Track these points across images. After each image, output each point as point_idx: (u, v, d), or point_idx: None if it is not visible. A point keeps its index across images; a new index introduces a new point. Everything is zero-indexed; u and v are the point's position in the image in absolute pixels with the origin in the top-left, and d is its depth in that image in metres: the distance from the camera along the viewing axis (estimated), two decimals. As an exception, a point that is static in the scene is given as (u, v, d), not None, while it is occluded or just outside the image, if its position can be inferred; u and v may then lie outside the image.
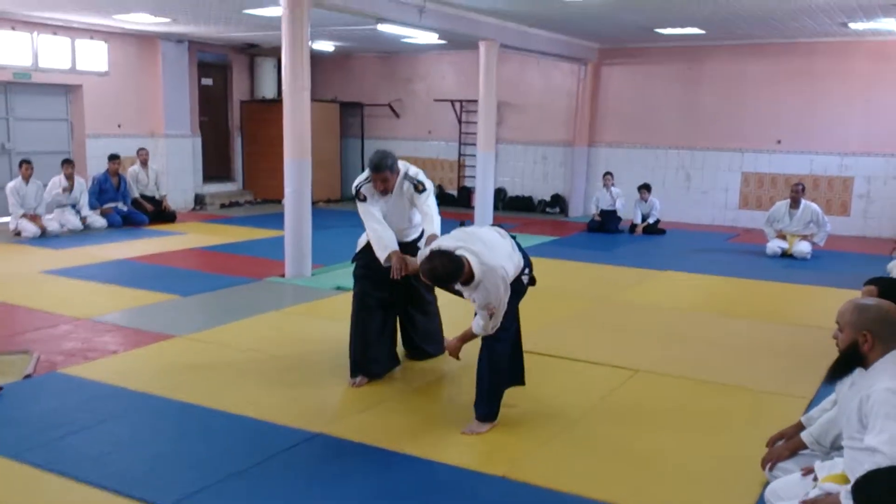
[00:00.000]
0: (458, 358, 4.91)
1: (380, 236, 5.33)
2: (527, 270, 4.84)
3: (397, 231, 5.47)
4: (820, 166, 13.53)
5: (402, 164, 5.44)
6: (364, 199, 5.45)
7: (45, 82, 12.94)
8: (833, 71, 13.19)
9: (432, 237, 5.15)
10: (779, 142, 13.78)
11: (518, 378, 5.05)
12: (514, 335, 4.91)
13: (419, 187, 5.40)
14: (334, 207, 15.79)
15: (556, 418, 4.86)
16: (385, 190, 5.37)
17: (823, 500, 3.14)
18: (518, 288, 4.75)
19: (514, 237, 4.91)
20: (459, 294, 4.67)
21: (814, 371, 5.51)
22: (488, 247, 4.56)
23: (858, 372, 3.27)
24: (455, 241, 4.56)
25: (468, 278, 4.43)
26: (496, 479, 4.04)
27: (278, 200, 14.34)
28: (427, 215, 5.43)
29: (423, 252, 4.80)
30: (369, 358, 5.47)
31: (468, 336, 4.77)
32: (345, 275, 8.62)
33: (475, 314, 4.65)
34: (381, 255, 5.27)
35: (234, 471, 4.03)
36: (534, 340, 6.40)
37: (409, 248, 5.50)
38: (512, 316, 4.79)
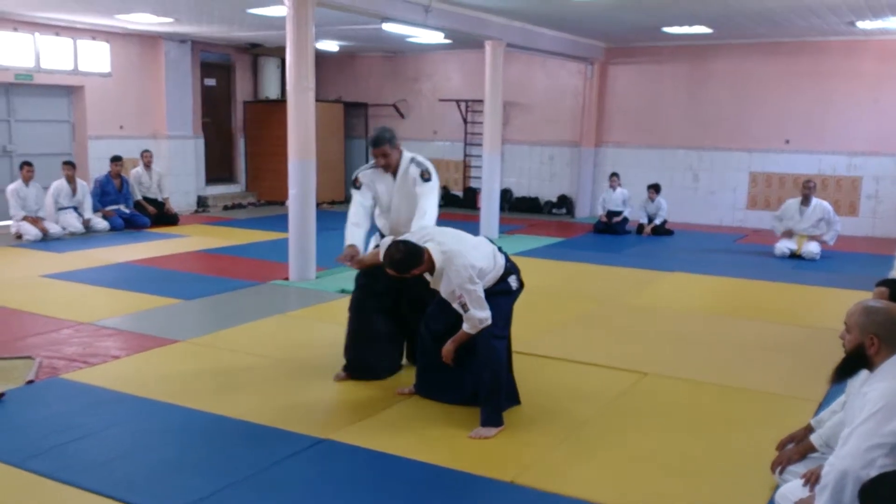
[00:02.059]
0: (450, 362, 4.74)
1: (350, 227, 5.40)
2: (513, 276, 4.84)
3: (406, 224, 5.30)
4: (828, 166, 13.46)
5: (408, 153, 5.47)
6: (359, 187, 5.47)
7: (47, 83, 12.91)
8: (841, 70, 13.13)
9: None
10: (787, 141, 13.72)
11: (514, 398, 5.00)
12: (507, 344, 4.89)
13: (425, 175, 5.34)
14: (338, 209, 15.72)
15: (564, 422, 4.81)
16: (387, 165, 5.34)
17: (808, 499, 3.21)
18: (505, 289, 4.77)
19: (499, 247, 4.91)
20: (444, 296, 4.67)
21: (823, 373, 5.31)
22: (455, 239, 4.66)
23: (866, 374, 3.27)
24: (423, 234, 4.68)
25: (430, 267, 4.52)
26: (504, 485, 3.98)
27: (282, 202, 14.35)
28: (421, 210, 5.26)
29: (385, 241, 4.80)
30: (357, 361, 5.48)
31: (461, 338, 4.66)
32: (349, 278, 8.53)
33: None
34: (346, 242, 5.33)
35: (239, 477, 3.98)
36: (541, 343, 6.38)
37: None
38: (504, 321, 4.78)
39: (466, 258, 4.49)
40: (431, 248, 4.51)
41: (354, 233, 5.38)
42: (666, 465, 4.26)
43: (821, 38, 13.01)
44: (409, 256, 4.44)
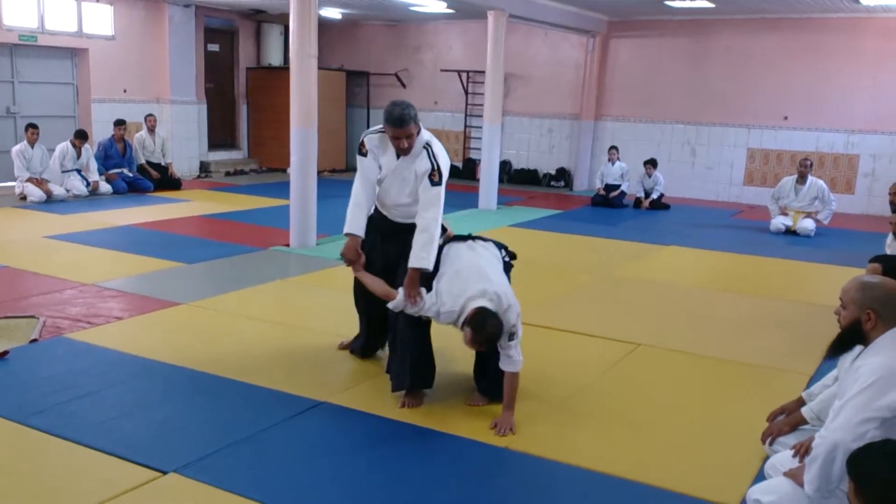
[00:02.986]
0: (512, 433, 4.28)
1: (352, 209, 4.77)
2: (503, 252, 4.75)
3: (393, 206, 4.80)
4: (826, 143, 13.49)
5: (427, 134, 4.69)
6: (365, 154, 4.74)
7: (51, 45, 12.90)
8: (842, 47, 13.11)
9: (414, 274, 4.40)
10: (786, 118, 13.73)
11: None
12: None
13: (434, 176, 4.50)
14: (339, 177, 15.75)
15: (558, 391, 4.88)
16: (408, 147, 4.53)
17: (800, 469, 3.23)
18: (506, 269, 4.69)
19: (474, 237, 4.77)
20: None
21: (815, 347, 5.47)
22: (488, 274, 4.40)
23: (858, 348, 3.28)
24: (461, 287, 4.32)
25: None
26: (499, 450, 4.07)
27: (283, 169, 14.38)
28: (425, 231, 4.44)
29: (399, 301, 4.41)
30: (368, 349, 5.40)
31: (513, 392, 4.36)
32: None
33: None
34: (345, 229, 4.78)
35: (238, 437, 4.06)
36: (537, 314, 6.42)
37: (406, 232, 4.66)
38: None
39: (509, 295, 4.35)
40: (489, 306, 4.23)
41: (355, 217, 4.75)
42: (657, 434, 4.34)
43: (823, 15, 12.98)
44: (502, 328, 4.22)
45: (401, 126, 4.43)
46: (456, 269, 4.45)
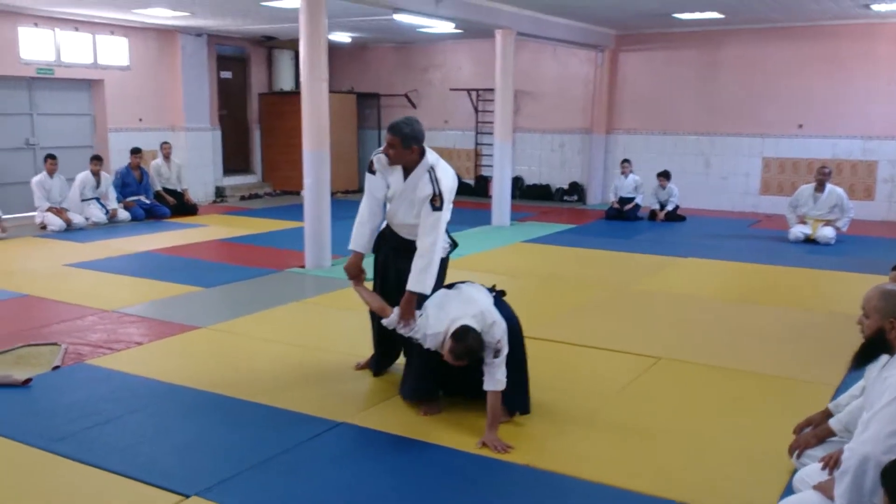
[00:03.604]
0: (508, 447, 4.27)
1: (357, 227, 4.98)
2: (490, 290, 4.75)
3: (401, 225, 4.91)
4: (843, 150, 13.40)
5: (433, 156, 4.77)
6: (374, 172, 4.88)
7: (68, 77, 13.05)
8: (855, 54, 13.05)
9: (411, 297, 4.58)
10: (800, 126, 13.67)
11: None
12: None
13: (436, 202, 4.61)
14: (352, 198, 15.74)
15: (579, 407, 4.86)
16: (390, 158, 4.71)
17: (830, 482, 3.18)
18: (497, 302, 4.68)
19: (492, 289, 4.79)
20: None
21: (840, 358, 5.39)
22: (473, 297, 4.53)
23: (885, 358, 3.23)
24: (448, 310, 4.45)
25: None
26: (521, 468, 4.05)
27: (297, 192, 14.43)
28: (423, 256, 4.61)
29: (393, 320, 4.59)
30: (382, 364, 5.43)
31: (497, 409, 4.41)
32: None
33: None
34: (349, 245, 5.00)
35: (260, 460, 4.06)
36: (555, 328, 6.42)
37: (411, 247, 4.80)
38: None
39: (502, 322, 4.42)
40: (473, 323, 4.34)
41: (360, 234, 4.97)
42: (682, 449, 4.30)
43: (835, 22, 12.93)
44: (482, 344, 4.31)
45: (390, 131, 4.63)
46: (444, 293, 4.64)
